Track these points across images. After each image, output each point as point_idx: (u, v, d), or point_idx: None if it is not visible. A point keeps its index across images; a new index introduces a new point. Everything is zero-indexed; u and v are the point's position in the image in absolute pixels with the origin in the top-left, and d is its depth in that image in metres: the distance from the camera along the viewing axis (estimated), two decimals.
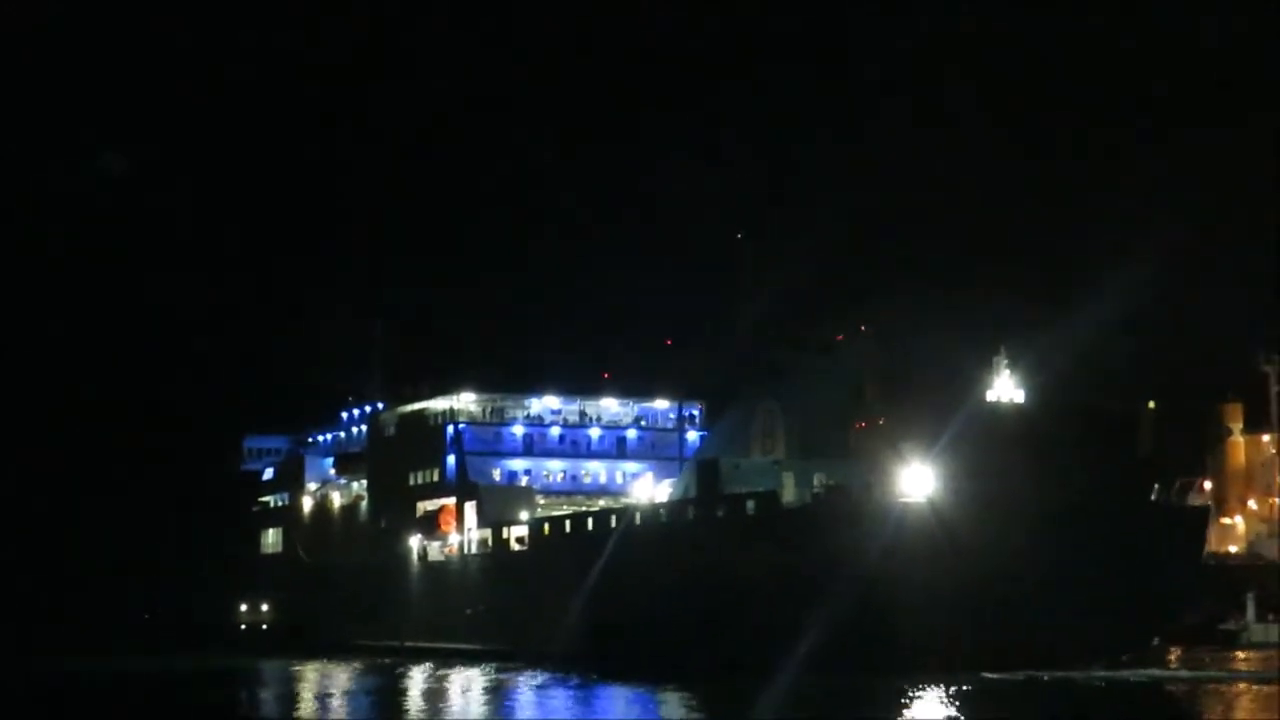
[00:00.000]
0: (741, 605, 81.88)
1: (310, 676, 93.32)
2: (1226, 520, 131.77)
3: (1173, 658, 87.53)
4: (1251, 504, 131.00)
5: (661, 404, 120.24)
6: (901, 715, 62.99)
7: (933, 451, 77.25)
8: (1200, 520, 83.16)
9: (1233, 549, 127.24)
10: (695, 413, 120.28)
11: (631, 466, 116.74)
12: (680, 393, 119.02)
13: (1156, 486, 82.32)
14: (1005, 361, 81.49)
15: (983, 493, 76.23)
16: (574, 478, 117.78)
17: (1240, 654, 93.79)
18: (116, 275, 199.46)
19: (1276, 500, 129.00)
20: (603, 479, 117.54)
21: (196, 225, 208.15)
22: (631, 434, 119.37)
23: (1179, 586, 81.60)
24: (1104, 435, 78.43)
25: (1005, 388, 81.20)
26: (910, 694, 67.33)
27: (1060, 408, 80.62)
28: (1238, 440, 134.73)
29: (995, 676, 73.36)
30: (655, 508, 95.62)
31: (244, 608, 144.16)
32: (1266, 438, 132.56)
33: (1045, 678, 73.73)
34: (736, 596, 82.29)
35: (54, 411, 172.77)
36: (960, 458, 77.02)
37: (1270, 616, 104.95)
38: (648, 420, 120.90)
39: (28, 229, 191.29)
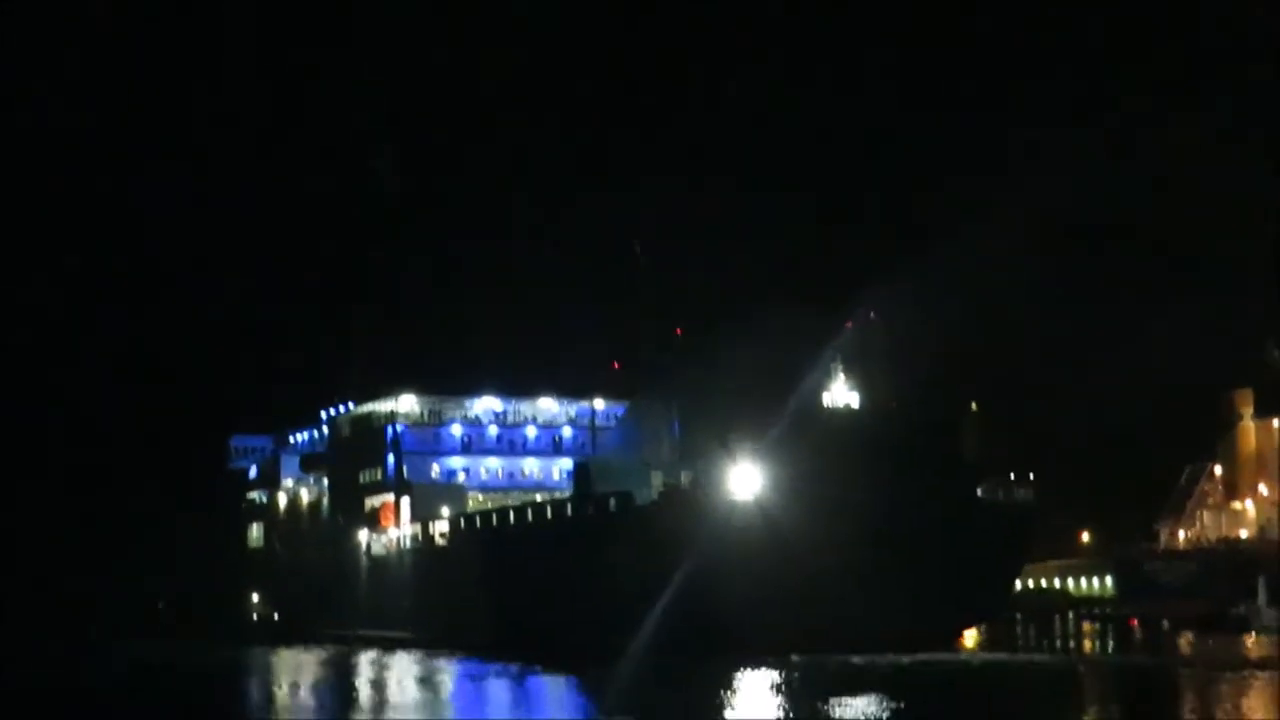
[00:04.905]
0: (605, 597, 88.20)
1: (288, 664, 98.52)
2: (1237, 505, 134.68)
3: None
4: (1262, 489, 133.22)
5: (599, 404, 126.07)
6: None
7: (761, 452, 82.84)
8: (1025, 518, 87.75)
9: (1244, 534, 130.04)
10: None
11: (567, 463, 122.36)
12: (615, 392, 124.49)
13: (991, 484, 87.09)
14: (840, 365, 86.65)
15: (808, 492, 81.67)
16: (511, 475, 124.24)
17: (1249, 639, 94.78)
18: (114, 277, 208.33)
19: None
20: (539, 476, 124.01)
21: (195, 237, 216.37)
22: (567, 432, 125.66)
23: (1000, 581, 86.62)
24: (929, 437, 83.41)
25: (840, 391, 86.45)
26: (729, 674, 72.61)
27: (886, 411, 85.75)
28: (1248, 425, 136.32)
29: (805, 659, 78.73)
30: (543, 506, 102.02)
31: (255, 599, 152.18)
32: (1277, 423, 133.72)
33: (855, 660, 79.13)
34: (602, 589, 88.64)
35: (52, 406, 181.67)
36: (789, 458, 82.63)
37: None
38: (589, 420, 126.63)
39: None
